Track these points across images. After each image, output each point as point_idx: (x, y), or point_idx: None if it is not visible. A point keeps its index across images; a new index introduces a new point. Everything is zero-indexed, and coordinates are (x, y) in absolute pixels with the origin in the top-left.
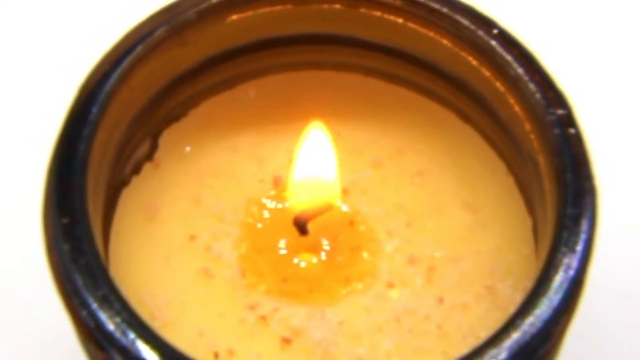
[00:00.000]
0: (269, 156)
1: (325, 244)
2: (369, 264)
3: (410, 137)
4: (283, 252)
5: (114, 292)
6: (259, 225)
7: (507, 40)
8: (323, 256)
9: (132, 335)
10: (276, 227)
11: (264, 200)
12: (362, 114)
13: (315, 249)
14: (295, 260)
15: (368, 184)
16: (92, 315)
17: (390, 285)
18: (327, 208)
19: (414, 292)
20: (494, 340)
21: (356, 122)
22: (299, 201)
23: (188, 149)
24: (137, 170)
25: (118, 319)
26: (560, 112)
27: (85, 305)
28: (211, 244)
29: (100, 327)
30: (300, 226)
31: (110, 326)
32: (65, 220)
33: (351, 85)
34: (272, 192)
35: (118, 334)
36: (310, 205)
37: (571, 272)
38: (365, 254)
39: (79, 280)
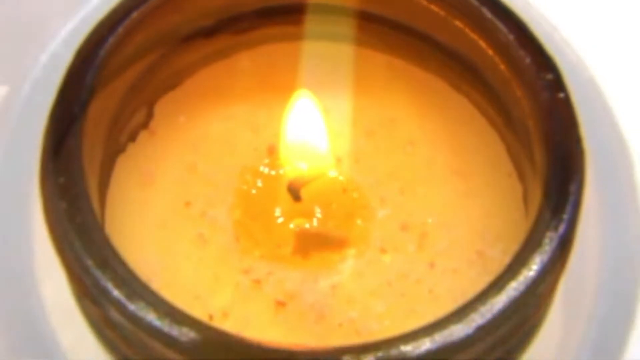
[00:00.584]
0: (263, 125)
1: (319, 211)
2: (362, 230)
3: (403, 107)
4: (277, 218)
5: (110, 249)
6: (253, 192)
7: (497, 7)
8: (316, 222)
9: (127, 291)
10: (270, 194)
11: (259, 168)
12: (355, 84)
13: (308, 216)
14: (290, 226)
15: (361, 153)
16: (88, 271)
17: (383, 251)
18: (321, 174)
19: (406, 257)
20: (482, 298)
21: (349, 91)
22: (292, 168)
23: (183, 117)
24: (132, 137)
25: (114, 275)
26: (549, 76)
27: (81, 261)
28: (206, 210)
29: (96, 283)
30: (294, 192)
31: (106, 282)
32: (61, 180)
33: (344, 56)
34: (267, 160)
35: (114, 290)
36: (303, 173)
37: (559, 232)
38: (358, 221)
39: (75, 238)
